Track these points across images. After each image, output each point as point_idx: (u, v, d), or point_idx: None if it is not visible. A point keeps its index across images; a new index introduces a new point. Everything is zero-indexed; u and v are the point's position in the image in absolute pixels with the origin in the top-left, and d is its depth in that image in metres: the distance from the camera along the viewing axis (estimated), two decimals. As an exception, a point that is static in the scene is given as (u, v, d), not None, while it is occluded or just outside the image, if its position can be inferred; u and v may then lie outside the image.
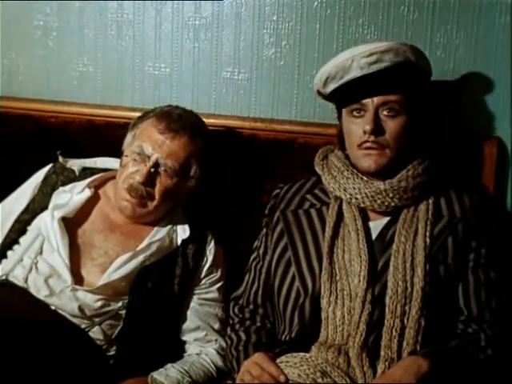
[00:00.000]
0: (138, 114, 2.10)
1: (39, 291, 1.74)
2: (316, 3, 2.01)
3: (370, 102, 1.67)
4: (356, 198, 1.71)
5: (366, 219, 1.73)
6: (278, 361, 1.60)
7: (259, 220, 1.90)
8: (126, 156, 1.85)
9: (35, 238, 1.84)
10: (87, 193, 1.88)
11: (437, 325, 1.63)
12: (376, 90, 1.66)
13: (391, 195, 1.69)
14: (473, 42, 1.94)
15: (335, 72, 1.70)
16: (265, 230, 1.86)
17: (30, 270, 1.78)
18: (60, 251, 1.77)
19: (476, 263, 1.68)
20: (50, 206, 1.86)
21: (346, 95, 1.71)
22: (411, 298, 1.61)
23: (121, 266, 1.77)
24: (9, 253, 1.85)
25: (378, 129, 1.66)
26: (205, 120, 2.07)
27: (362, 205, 1.71)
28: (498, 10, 1.91)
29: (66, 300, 1.72)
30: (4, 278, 1.79)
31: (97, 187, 1.92)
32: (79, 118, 2.17)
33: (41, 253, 1.81)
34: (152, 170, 1.80)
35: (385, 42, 1.75)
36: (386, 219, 1.72)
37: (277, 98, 2.09)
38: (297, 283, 1.72)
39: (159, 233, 1.86)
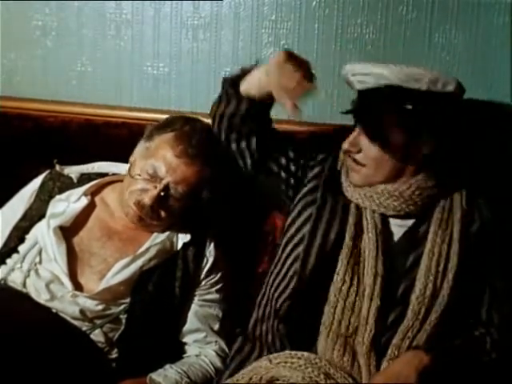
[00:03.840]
0: (136, 114, 2.13)
1: (40, 295, 1.73)
2: (314, 3, 2.01)
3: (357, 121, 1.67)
4: (356, 199, 1.70)
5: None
6: (277, 361, 1.60)
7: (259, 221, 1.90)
8: (138, 175, 1.79)
9: (32, 246, 1.81)
10: (84, 201, 1.85)
11: (448, 328, 1.63)
12: (360, 108, 1.66)
13: (387, 196, 1.66)
14: (472, 42, 1.95)
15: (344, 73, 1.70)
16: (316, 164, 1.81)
17: (29, 274, 1.76)
18: (57, 260, 1.75)
19: (496, 270, 1.67)
20: (47, 214, 1.83)
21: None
22: (435, 303, 1.61)
23: (119, 271, 1.76)
24: (7, 260, 1.83)
25: (353, 150, 1.66)
26: (204, 120, 2.08)
27: (363, 205, 1.69)
28: (496, 10, 1.92)
29: (67, 304, 1.72)
30: (2, 282, 1.78)
31: (94, 193, 1.89)
32: (78, 117, 2.16)
33: (40, 261, 1.78)
34: (162, 193, 1.75)
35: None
36: (411, 221, 1.70)
37: (275, 97, 2.08)
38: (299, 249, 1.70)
39: (159, 237, 1.84)
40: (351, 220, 1.69)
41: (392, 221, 1.70)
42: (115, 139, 2.13)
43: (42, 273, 1.77)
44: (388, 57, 1.98)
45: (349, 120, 1.97)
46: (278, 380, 1.57)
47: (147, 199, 1.75)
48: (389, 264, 1.64)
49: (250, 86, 1.76)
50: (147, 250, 1.80)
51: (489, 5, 1.91)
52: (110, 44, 2.20)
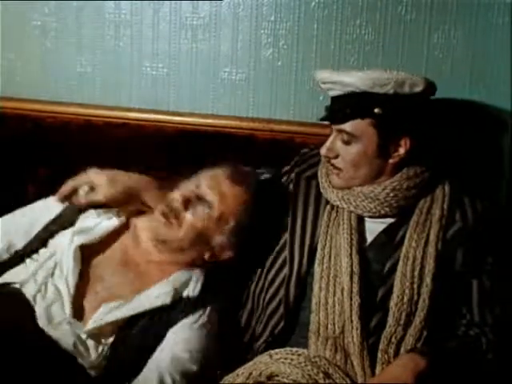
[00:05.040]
0: (135, 115, 2.13)
1: (40, 318, 1.63)
2: (313, 3, 2.01)
3: (332, 127, 1.70)
4: (334, 200, 1.72)
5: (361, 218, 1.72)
6: (277, 356, 1.60)
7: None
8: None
9: (51, 255, 1.73)
10: (115, 222, 1.77)
11: (438, 329, 1.63)
12: (331, 113, 1.71)
13: (363, 198, 1.68)
14: (471, 43, 1.94)
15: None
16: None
17: (39, 289, 1.68)
18: (68, 279, 1.68)
19: (482, 270, 1.66)
20: (75, 227, 1.76)
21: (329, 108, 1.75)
22: (417, 308, 1.60)
23: (108, 313, 1.65)
24: (27, 260, 1.76)
25: (330, 153, 1.69)
26: (202, 120, 2.09)
27: (340, 206, 1.71)
28: (495, 10, 1.91)
29: (62, 333, 1.62)
30: (18, 286, 1.71)
31: (130, 216, 1.81)
32: (77, 118, 2.17)
33: (52, 275, 1.70)
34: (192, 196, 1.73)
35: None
36: (389, 220, 1.71)
37: (274, 98, 2.09)
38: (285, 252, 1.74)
39: (168, 285, 1.70)
40: (325, 221, 1.72)
41: (369, 222, 1.71)
42: (114, 140, 2.13)
43: (48, 291, 1.68)
44: (387, 57, 1.98)
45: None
46: (277, 376, 1.57)
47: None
48: (366, 265, 1.65)
49: None
50: (141, 301, 1.68)
51: (488, 5, 1.91)
52: (109, 44, 2.19)
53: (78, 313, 1.67)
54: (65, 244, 1.73)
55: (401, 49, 1.97)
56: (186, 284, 1.72)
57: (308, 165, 1.85)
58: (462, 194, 1.72)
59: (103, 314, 1.64)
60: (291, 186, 1.83)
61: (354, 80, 1.62)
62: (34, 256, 1.77)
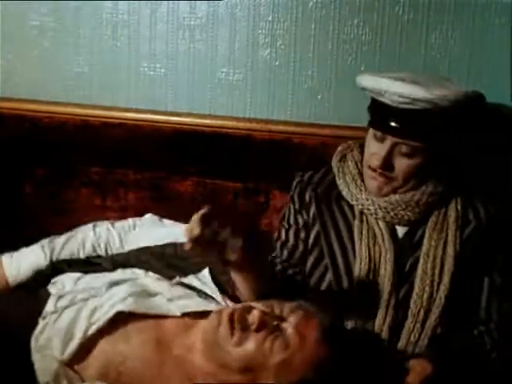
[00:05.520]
0: (133, 115, 2.13)
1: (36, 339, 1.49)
2: (311, 3, 2.00)
3: (389, 137, 1.63)
4: (368, 209, 1.70)
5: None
6: None
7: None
8: None
9: (107, 287, 1.58)
10: (177, 312, 1.53)
11: (449, 328, 1.63)
12: (399, 127, 1.61)
13: (403, 206, 1.67)
14: (468, 43, 1.93)
15: (371, 87, 1.67)
16: (296, 208, 1.80)
17: (62, 312, 1.53)
18: (90, 329, 1.48)
19: (493, 268, 1.67)
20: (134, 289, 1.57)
21: (375, 114, 1.68)
22: (433, 305, 1.62)
23: None
24: (91, 270, 1.68)
25: (386, 166, 1.64)
26: (200, 121, 2.08)
27: (375, 216, 1.69)
28: (493, 10, 1.90)
29: (43, 359, 1.47)
30: (57, 294, 1.59)
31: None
32: (74, 118, 2.16)
33: (85, 300, 1.55)
34: None
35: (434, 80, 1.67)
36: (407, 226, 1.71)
37: (272, 98, 2.08)
38: (329, 275, 1.70)
39: None
40: (358, 233, 1.70)
41: (398, 228, 1.71)
42: (112, 140, 2.13)
43: (62, 319, 1.51)
44: (384, 57, 1.97)
45: (344, 121, 2.00)
46: None
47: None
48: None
49: None
50: None
51: (485, 5, 1.90)
52: (107, 44, 2.19)
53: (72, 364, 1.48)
54: (120, 293, 1.55)
55: (398, 49, 1.96)
56: None
57: (315, 183, 1.80)
58: (473, 195, 1.73)
59: None
60: (313, 207, 1.76)
61: (438, 98, 1.56)
62: (98, 273, 1.67)
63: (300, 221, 1.78)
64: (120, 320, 1.49)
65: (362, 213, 1.72)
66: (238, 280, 1.53)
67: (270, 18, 2.04)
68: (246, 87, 2.09)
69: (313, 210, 1.76)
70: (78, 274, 1.68)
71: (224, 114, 2.11)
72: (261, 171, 2.05)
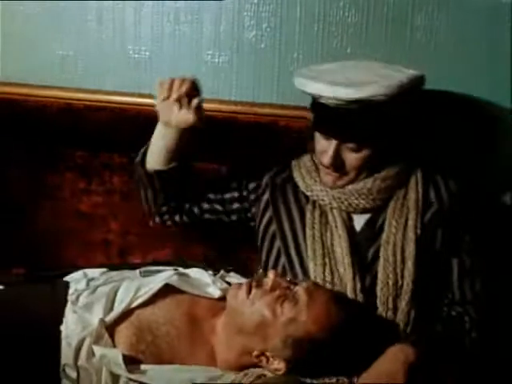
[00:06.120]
0: (117, 98, 2.11)
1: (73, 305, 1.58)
2: (297, -15, 1.99)
3: (333, 138, 1.64)
4: (323, 200, 1.71)
5: None
6: None
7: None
8: None
9: (143, 274, 1.73)
10: (217, 293, 1.68)
11: (424, 312, 1.63)
12: (340, 130, 1.62)
13: (356, 195, 1.68)
14: (455, 25, 1.92)
15: (308, 92, 1.67)
16: (253, 195, 1.85)
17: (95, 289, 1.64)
18: (135, 302, 1.60)
19: (460, 249, 1.67)
20: (177, 271, 1.73)
21: (317, 115, 1.68)
22: (401, 291, 1.61)
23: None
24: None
25: (336, 164, 1.65)
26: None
27: (330, 206, 1.70)
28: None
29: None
30: (87, 277, 1.70)
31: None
32: (58, 101, 2.14)
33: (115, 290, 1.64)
34: None
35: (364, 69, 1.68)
36: (368, 214, 1.71)
37: (258, 80, 2.07)
38: (283, 260, 1.72)
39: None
40: (310, 218, 1.71)
41: (355, 215, 1.72)
42: (97, 123, 2.11)
43: (102, 289, 1.63)
44: (370, 39, 1.96)
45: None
46: None
47: None
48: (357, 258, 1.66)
49: (154, 143, 1.84)
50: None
51: (471, -14, 1.90)
52: (91, 27, 2.16)
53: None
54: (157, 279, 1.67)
55: (384, 31, 1.96)
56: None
57: (275, 172, 1.84)
58: (435, 177, 1.73)
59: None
60: (267, 194, 1.80)
61: (372, 96, 1.55)
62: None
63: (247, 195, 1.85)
64: (161, 294, 1.61)
65: (315, 201, 1.74)
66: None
67: (255, 1, 2.03)
68: (232, 69, 2.08)
69: (267, 195, 1.80)
70: (104, 269, 1.79)
71: (209, 96, 2.08)
72: (246, 154, 2.04)
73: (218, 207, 1.87)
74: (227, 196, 1.87)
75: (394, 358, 1.51)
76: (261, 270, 1.78)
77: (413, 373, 1.49)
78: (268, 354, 1.51)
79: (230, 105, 2.06)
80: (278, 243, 1.75)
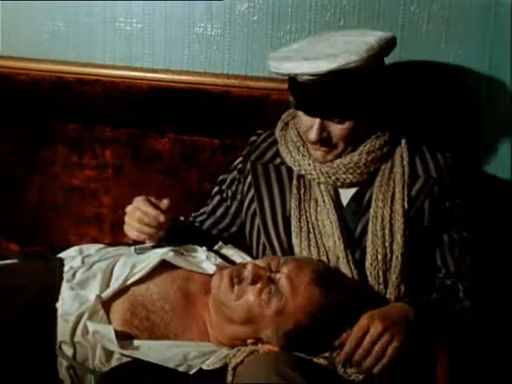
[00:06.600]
0: (109, 71, 2.10)
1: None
2: (289, -43, 1.97)
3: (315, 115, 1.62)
4: (311, 174, 1.70)
5: None
6: None
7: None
8: None
9: (138, 251, 1.69)
10: (211, 269, 1.66)
11: (415, 286, 1.63)
12: (319, 106, 1.60)
13: (344, 170, 1.67)
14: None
15: (281, 73, 1.64)
16: (236, 175, 1.84)
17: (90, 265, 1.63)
18: (132, 278, 1.60)
19: (450, 222, 1.68)
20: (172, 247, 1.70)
21: (295, 94, 1.66)
22: (391, 265, 1.62)
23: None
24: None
25: (323, 139, 1.63)
26: (177, 77, 2.05)
27: (318, 180, 1.70)
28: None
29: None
30: (82, 254, 1.69)
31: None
32: (49, 75, 2.12)
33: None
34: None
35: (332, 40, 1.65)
36: (355, 188, 1.71)
37: (250, 54, 2.05)
38: (262, 239, 1.73)
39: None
40: (295, 195, 1.71)
41: (341, 190, 1.71)
42: (87, 96, 2.10)
43: (99, 265, 1.63)
44: (363, 12, 1.94)
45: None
46: None
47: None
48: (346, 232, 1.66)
49: None
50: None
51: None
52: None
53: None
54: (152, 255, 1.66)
55: (377, 3, 1.94)
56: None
57: (260, 152, 1.82)
58: (422, 150, 1.73)
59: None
60: (250, 177, 1.79)
61: (345, 64, 1.52)
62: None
63: (238, 189, 1.83)
64: (157, 270, 1.61)
65: (300, 177, 1.73)
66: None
67: (248, -28, 2.01)
68: (224, 43, 2.06)
69: (249, 179, 1.79)
70: (100, 245, 1.78)
71: (202, 70, 2.08)
72: (239, 127, 2.03)
73: (214, 231, 1.86)
74: (218, 214, 1.86)
75: (399, 307, 1.54)
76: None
77: (408, 330, 1.49)
78: (263, 340, 1.52)
79: (223, 78, 2.04)
80: (257, 221, 1.75)
